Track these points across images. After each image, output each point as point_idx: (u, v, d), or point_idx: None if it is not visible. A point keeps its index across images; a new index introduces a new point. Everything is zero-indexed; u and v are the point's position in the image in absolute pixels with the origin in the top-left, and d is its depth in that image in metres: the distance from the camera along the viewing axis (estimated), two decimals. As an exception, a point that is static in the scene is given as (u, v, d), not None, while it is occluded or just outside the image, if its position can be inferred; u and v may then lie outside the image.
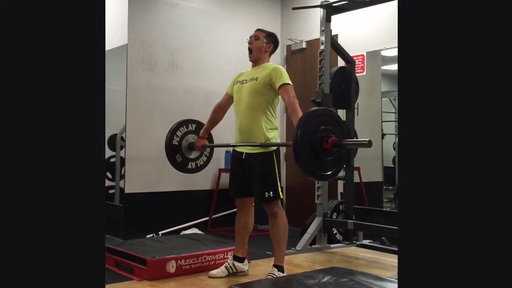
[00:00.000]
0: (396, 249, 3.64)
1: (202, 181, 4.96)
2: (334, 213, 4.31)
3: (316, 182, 4.15)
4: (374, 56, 4.76)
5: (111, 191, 5.10)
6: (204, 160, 3.47)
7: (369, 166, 4.89)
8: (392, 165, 5.07)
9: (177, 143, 3.31)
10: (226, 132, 3.68)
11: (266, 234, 4.27)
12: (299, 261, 3.67)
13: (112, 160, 5.13)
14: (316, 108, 2.63)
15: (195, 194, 4.95)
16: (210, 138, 3.43)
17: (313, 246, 4.08)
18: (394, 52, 4.54)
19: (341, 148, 2.46)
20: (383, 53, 4.72)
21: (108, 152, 5.08)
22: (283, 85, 2.96)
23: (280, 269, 3.04)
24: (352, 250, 4.12)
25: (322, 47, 4.10)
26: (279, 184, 3.02)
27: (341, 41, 4.50)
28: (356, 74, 4.43)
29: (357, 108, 4.44)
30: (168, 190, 4.76)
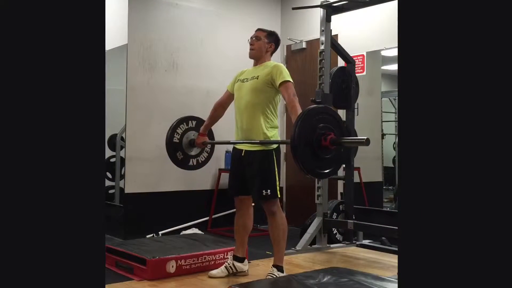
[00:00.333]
0: (396, 249, 3.64)
1: (202, 181, 4.96)
2: (334, 213, 4.31)
3: (316, 182, 4.15)
4: (374, 56, 4.76)
5: (111, 191, 5.10)
6: (205, 157, 3.48)
7: (369, 166, 4.89)
8: (392, 165, 5.07)
9: (177, 140, 3.32)
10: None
11: (266, 234, 4.27)
12: (299, 261, 3.67)
13: (112, 160, 5.13)
14: (314, 105, 2.63)
15: (195, 194, 4.94)
16: (210, 135, 3.44)
17: (313, 246, 4.08)
18: (394, 52, 4.54)
19: (339, 146, 2.46)
20: (383, 53, 4.72)
21: (108, 152, 5.08)
22: (283, 83, 2.96)
23: (280, 269, 3.04)
24: (352, 250, 4.12)
25: (322, 47, 4.10)
26: (277, 183, 3.02)
27: (341, 41, 4.50)
28: (356, 74, 4.43)
29: (357, 108, 4.44)
30: (168, 190, 4.76)
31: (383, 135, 4.94)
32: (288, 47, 5.56)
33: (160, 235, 4.47)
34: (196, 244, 3.58)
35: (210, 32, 5.09)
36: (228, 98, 3.29)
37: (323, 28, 4.11)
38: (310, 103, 4.02)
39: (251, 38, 3.20)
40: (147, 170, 4.61)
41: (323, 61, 4.08)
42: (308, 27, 5.32)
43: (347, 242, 4.29)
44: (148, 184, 4.64)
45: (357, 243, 4.26)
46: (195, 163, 3.43)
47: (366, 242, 4.27)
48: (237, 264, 3.21)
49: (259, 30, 3.24)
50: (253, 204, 3.27)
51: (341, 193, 4.78)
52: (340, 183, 4.75)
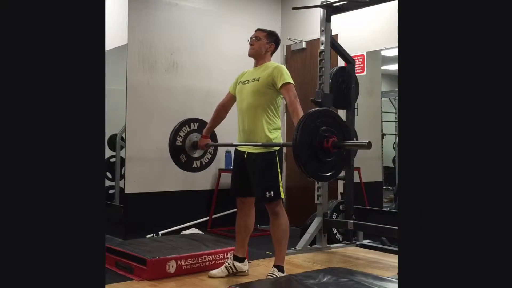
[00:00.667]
0: (396, 249, 3.64)
1: (202, 181, 4.96)
2: (334, 213, 4.31)
3: (316, 182, 4.14)
4: (374, 56, 4.76)
5: (111, 191, 5.10)
6: (209, 158, 3.48)
7: (369, 166, 4.89)
8: (392, 165, 5.07)
9: (180, 143, 3.32)
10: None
11: (266, 234, 4.28)
12: (299, 261, 3.67)
13: (112, 160, 5.13)
14: (316, 109, 2.63)
15: (195, 194, 4.95)
16: (213, 136, 3.44)
17: (313, 246, 4.08)
18: (394, 52, 4.54)
19: (341, 149, 2.46)
20: (383, 53, 4.72)
21: (108, 152, 5.08)
22: (284, 85, 2.96)
23: (280, 269, 3.04)
24: (352, 250, 4.12)
25: (322, 47, 4.10)
26: (280, 184, 3.02)
27: (341, 41, 4.51)
28: (356, 74, 4.43)
29: (357, 108, 4.44)
30: (168, 190, 4.76)
31: (383, 135, 4.94)
32: (288, 47, 5.56)
33: (160, 235, 4.47)
34: (196, 244, 3.58)
35: (210, 32, 5.09)
36: (230, 100, 3.29)
37: (323, 28, 4.11)
38: (310, 103, 4.03)
39: (251, 38, 3.19)
40: (147, 170, 4.61)
41: (323, 61, 4.08)
42: (308, 27, 5.32)
43: (347, 242, 4.30)
44: (148, 184, 4.64)
45: (357, 243, 4.26)
46: (198, 165, 3.44)
47: (366, 242, 4.27)
48: (237, 264, 3.21)
49: (259, 30, 3.23)
50: (253, 204, 3.27)
51: (341, 193, 4.78)
52: (340, 183, 4.75)
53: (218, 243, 3.63)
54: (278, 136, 3.07)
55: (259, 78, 3.05)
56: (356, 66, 4.48)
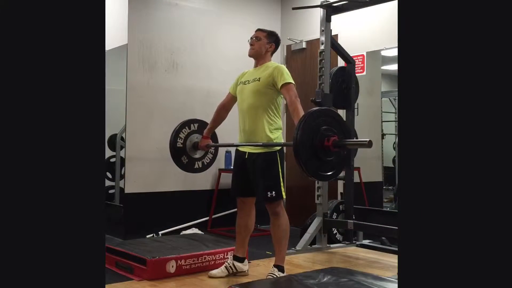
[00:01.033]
0: (396, 249, 3.64)
1: (202, 181, 4.96)
2: (334, 213, 4.31)
3: (316, 182, 4.15)
4: (374, 56, 4.76)
5: (111, 191, 5.10)
6: (210, 158, 3.49)
7: (369, 166, 4.89)
8: (392, 165, 5.07)
9: (181, 145, 3.32)
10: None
11: (266, 234, 4.28)
12: (299, 261, 3.67)
13: (112, 160, 5.13)
14: (317, 108, 2.63)
15: (195, 194, 4.95)
16: (214, 136, 3.44)
17: (313, 246, 4.08)
18: (394, 52, 4.54)
19: (342, 148, 2.46)
20: (383, 53, 4.72)
21: (108, 152, 5.08)
22: (284, 85, 2.96)
23: (281, 269, 3.04)
24: (352, 250, 4.12)
25: (322, 47, 4.10)
26: (282, 184, 3.02)
27: (341, 41, 4.51)
28: (356, 74, 4.43)
29: (357, 108, 4.44)
30: (168, 190, 4.76)
31: (383, 135, 4.94)
32: (288, 47, 5.56)
33: (160, 235, 4.47)
34: (196, 244, 3.58)
35: (210, 32, 5.09)
36: (230, 101, 3.29)
37: (323, 28, 4.11)
38: (310, 103, 4.03)
39: (251, 38, 3.19)
40: (147, 170, 4.61)
41: (323, 61, 4.08)
42: (308, 27, 5.32)
43: (347, 242, 4.29)
44: (148, 184, 4.64)
45: (357, 243, 4.26)
46: (200, 166, 3.44)
47: (366, 242, 4.27)
48: (237, 264, 3.21)
49: (259, 30, 3.23)
50: (254, 204, 3.27)
51: (341, 193, 4.78)
52: (340, 183, 4.75)
53: (218, 243, 3.63)
54: (279, 136, 3.07)
55: (259, 78, 3.05)
56: (356, 66, 4.48)
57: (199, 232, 4.49)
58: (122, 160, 4.75)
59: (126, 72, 4.55)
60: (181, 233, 4.44)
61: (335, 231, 4.31)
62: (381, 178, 4.96)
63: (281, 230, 3.03)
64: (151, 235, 4.42)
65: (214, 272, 3.20)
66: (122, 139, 4.80)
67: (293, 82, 3.00)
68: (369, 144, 2.37)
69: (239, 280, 3.10)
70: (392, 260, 3.63)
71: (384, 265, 3.56)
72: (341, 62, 4.62)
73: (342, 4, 4.06)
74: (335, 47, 4.24)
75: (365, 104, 4.77)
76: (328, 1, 4.10)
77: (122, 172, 4.73)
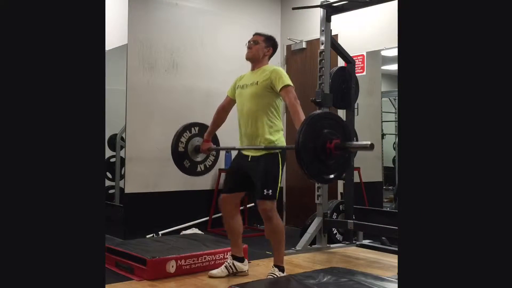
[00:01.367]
0: (396, 249, 3.64)
1: (202, 181, 4.96)
2: (334, 213, 4.31)
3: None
4: (374, 56, 4.76)
5: (111, 191, 5.10)
6: (212, 160, 3.50)
7: (369, 166, 4.89)
8: (392, 165, 5.07)
9: (183, 149, 3.33)
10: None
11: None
12: (299, 261, 3.67)
13: (112, 160, 5.13)
14: (319, 111, 2.63)
15: (195, 194, 4.95)
16: (215, 139, 3.44)
17: (313, 246, 4.08)
18: (394, 52, 4.54)
19: (344, 151, 2.46)
20: (383, 53, 4.72)
21: (108, 152, 5.08)
22: (284, 87, 2.95)
23: (281, 269, 3.04)
24: (352, 250, 4.12)
25: (322, 47, 4.10)
26: (279, 185, 3.01)
27: (341, 41, 4.50)
28: (356, 74, 4.43)
29: (357, 108, 4.44)
30: (168, 190, 4.76)
31: (383, 135, 4.94)
32: (288, 47, 5.55)
33: (160, 235, 4.47)
34: (196, 244, 3.58)
35: (210, 32, 5.09)
36: (229, 103, 3.29)
37: (323, 28, 4.11)
38: (310, 103, 4.03)
39: (249, 41, 3.18)
40: (147, 170, 4.61)
41: (323, 61, 4.08)
42: (308, 27, 5.32)
43: (347, 242, 4.29)
44: (148, 184, 4.64)
45: (357, 243, 4.26)
46: (202, 169, 3.45)
47: (366, 242, 4.27)
48: (237, 264, 3.21)
49: (257, 34, 3.22)
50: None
51: (341, 193, 4.78)
52: (340, 183, 4.75)
53: (218, 243, 3.63)
54: (280, 137, 3.06)
55: (257, 81, 3.04)
56: (356, 66, 4.48)
57: (199, 232, 4.49)
58: (122, 160, 4.75)
59: (126, 72, 4.55)
60: (181, 233, 4.44)
61: (335, 231, 4.31)
62: (381, 178, 4.96)
63: (277, 233, 3.01)
64: (151, 235, 4.42)
65: (214, 272, 3.20)
66: (122, 139, 4.81)
67: (292, 84, 2.99)
68: (371, 147, 2.37)
69: (239, 280, 3.10)
70: (392, 260, 3.63)
71: (384, 265, 3.56)
72: (341, 62, 4.62)
73: (342, 4, 4.06)
74: (335, 47, 4.24)
75: (365, 104, 4.77)
76: (328, 1, 4.10)
77: (122, 172, 4.73)
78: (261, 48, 3.14)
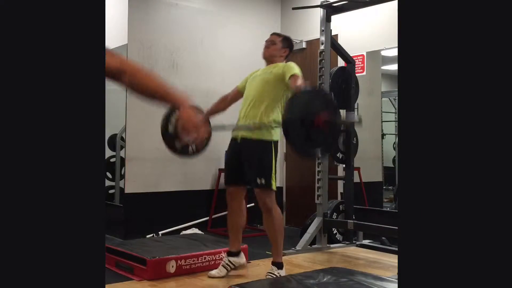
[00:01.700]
0: (396, 249, 3.64)
1: (202, 181, 4.97)
2: (334, 213, 4.31)
3: (316, 182, 4.15)
4: (374, 56, 4.77)
5: (111, 191, 5.11)
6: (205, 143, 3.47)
7: (369, 166, 4.89)
8: (392, 165, 5.07)
9: (173, 130, 3.31)
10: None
11: (266, 234, 4.27)
12: (299, 261, 3.67)
13: (112, 160, 5.13)
14: (307, 87, 2.64)
15: (195, 194, 4.95)
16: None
17: (313, 246, 4.08)
18: (394, 52, 4.54)
19: (332, 125, 2.47)
20: (383, 53, 4.72)
21: (108, 152, 5.08)
22: (293, 75, 2.97)
23: (279, 265, 3.03)
24: (352, 250, 4.12)
25: (322, 47, 4.10)
26: (273, 176, 3.00)
27: (341, 41, 4.51)
28: (356, 74, 4.43)
29: (357, 108, 4.45)
30: (168, 190, 4.76)
31: (383, 135, 4.94)
32: (288, 47, 5.55)
33: (160, 235, 4.47)
34: (196, 244, 3.58)
35: (210, 32, 5.09)
36: (235, 95, 3.32)
37: (323, 28, 4.11)
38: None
39: (267, 41, 3.22)
40: (147, 170, 4.61)
41: (323, 61, 4.08)
42: (308, 27, 5.32)
43: (347, 242, 4.30)
44: (148, 184, 4.64)
45: (357, 243, 4.26)
46: (194, 149, 3.41)
47: (366, 242, 4.27)
48: (233, 259, 3.20)
49: (274, 34, 3.27)
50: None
51: (341, 193, 4.78)
52: (340, 183, 4.75)
53: (218, 243, 3.63)
54: (277, 131, 3.07)
55: (270, 71, 3.10)
56: (356, 66, 4.48)
57: (199, 232, 4.49)
58: (122, 160, 4.76)
59: (126, 72, 4.55)
60: (181, 233, 4.44)
61: (335, 231, 4.31)
62: (381, 178, 4.96)
63: (275, 225, 3.03)
64: (151, 235, 4.42)
65: (213, 272, 3.20)
66: (122, 139, 4.81)
67: (301, 76, 3.00)
68: (359, 121, 2.42)
69: (239, 280, 3.10)
70: (392, 260, 3.64)
71: (384, 265, 3.56)
72: (341, 62, 4.62)
73: (342, 4, 4.07)
74: (335, 47, 4.24)
75: (365, 104, 4.77)
76: (328, 1, 4.10)
77: (122, 172, 4.73)
78: (278, 48, 3.19)
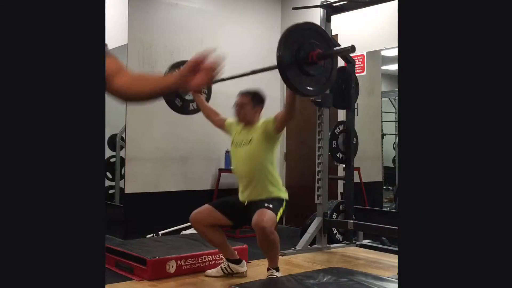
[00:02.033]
0: (396, 249, 3.64)
1: (202, 181, 4.96)
2: (334, 213, 4.31)
3: (316, 182, 4.15)
4: (374, 56, 4.77)
5: (111, 191, 5.11)
6: (204, 98, 3.49)
7: (369, 166, 4.89)
8: (392, 165, 5.07)
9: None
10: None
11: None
12: (299, 261, 3.67)
13: (112, 160, 5.13)
14: (299, 23, 2.57)
15: (195, 194, 4.94)
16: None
17: (313, 246, 4.08)
18: (394, 52, 4.54)
19: (326, 58, 2.45)
20: (383, 53, 4.72)
21: (108, 152, 5.08)
22: (274, 119, 2.92)
23: (277, 269, 3.02)
24: (352, 250, 4.12)
25: (322, 47, 4.09)
26: (279, 214, 2.93)
27: (341, 41, 4.50)
28: (356, 74, 4.43)
29: (357, 108, 4.45)
30: (168, 190, 4.76)
31: (383, 135, 4.94)
32: (288, 47, 5.55)
33: (160, 235, 4.47)
34: (196, 244, 3.58)
35: (210, 32, 5.09)
36: (218, 121, 3.26)
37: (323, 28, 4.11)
38: (310, 104, 4.03)
39: (236, 104, 3.09)
40: (147, 170, 4.61)
41: (323, 61, 4.08)
42: (308, 27, 5.31)
43: (347, 242, 4.30)
44: (148, 184, 4.64)
45: (357, 243, 4.26)
46: (195, 107, 3.45)
47: (366, 242, 4.27)
48: (233, 265, 3.18)
49: (242, 95, 3.11)
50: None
51: (341, 193, 4.78)
52: (340, 183, 4.75)
53: (218, 243, 3.63)
54: (280, 187, 3.05)
55: (251, 138, 3.01)
56: (356, 66, 4.48)
57: (199, 232, 4.48)
58: (122, 160, 4.76)
59: (126, 72, 4.55)
60: (181, 233, 4.44)
61: (335, 231, 4.31)
62: (381, 178, 4.96)
63: (275, 246, 2.90)
64: (151, 235, 4.42)
65: (210, 271, 3.20)
66: (122, 139, 4.81)
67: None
68: (352, 49, 2.43)
69: (239, 280, 3.10)
70: (392, 260, 3.64)
71: (384, 265, 3.56)
72: (341, 62, 4.62)
73: (342, 4, 4.07)
74: (335, 47, 4.24)
75: (365, 104, 4.77)
76: (328, 1, 4.10)
77: (122, 172, 4.73)
78: (248, 111, 3.06)
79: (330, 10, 4.12)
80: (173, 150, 4.71)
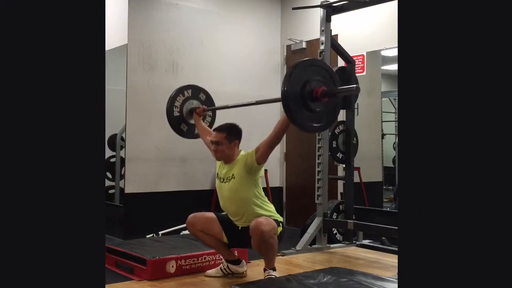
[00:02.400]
0: (396, 249, 3.64)
1: (202, 181, 4.96)
2: (334, 213, 4.31)
3: (316, 181, 4.15)
4: (374, 56, 4.76)
5: (111, 191, 5.10)
6: (209, 122, 3.54)
7: (369, 166, 4.89)
8: (392, 165, 5.07)
9: (178, 113, 3.37)
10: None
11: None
12: (299, 261, 3.67)
13: (112, 160, 5.13)
14: (305, 59, 2.57)
15: (195, 194, 4.94)
16: (210, 101, 3.59)
17: (313, 246, 4.08)
18: (394, 52, 4.54)
19: (331, 97, 2.46)
20: (383, 53, 4.72)
21: (108, 152, 5.08)
22: (256, 152, 2.88)
23: (274, 269, 3.01)
24: (352, 250, 4.12)
25: (322, 47, 4.10)
26: (278, 230, 2.91)
27: (341, 41, 4.50)
28: (356, 74, 4.43)
29: (357, 108, 4.45)
30: (168, 190, 4.76)
31: (383, 135, 4.94)
32: (288, 47, 5.55)
33: (160, 235, 4.47)
34: (196, 244, 3.58)
35: (210, 32, 5.09)
36: (209, 143, 3.17)
37: (323, 28, 4.11)
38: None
39: (212, 142, 3.04)
40: (147, 170, 4.61)
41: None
42: (308, 27, 5.32)
43: (347, 242, 4.29)
44: (148, 184, 4.64)
45: (357, 243, 4.26)
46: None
47: (366, 242, 4.27)
48: (232, 266, 3.18)
49: (216, 131, 3.05)
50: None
51: (341, 193, 4.78)
52: (340, 183, 4.75)
53: (218, 243, 3.62)
54: (272, 210, 3.01)
55: (232, 174, 2.98)
56: (356, 66, 4.48)
57: (199, 232, 4.48)
58: (122, 160, 4.75)
59: (126, 72, 4.55)
60: (181, 233, 4.44)
61: (335, 231, 4.31)
62: (381, 178, 4.96)
63: (273, 249, 2.89)
64: (151, 235, 4.42)
65: (210, 271, 3.20)
66: (122, 139, 4.81)
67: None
68: (356, 90, 2.41)
69: (239, 280, 3.10)
70: (392, 260, 3.63)
71: (384, 265, 3.56)
72: (341, 62, 4.62)
73: (342, 4, 4.07)
74: (335, 47, 4.24)
75: (365, 104, 4.77)
76: (328, 1, 4.10)
77: (122, 172, 4.73)
78: (225, 147, 3.01)
79: (330, 10, 4.12)
80: (173, 150, 4.71)
